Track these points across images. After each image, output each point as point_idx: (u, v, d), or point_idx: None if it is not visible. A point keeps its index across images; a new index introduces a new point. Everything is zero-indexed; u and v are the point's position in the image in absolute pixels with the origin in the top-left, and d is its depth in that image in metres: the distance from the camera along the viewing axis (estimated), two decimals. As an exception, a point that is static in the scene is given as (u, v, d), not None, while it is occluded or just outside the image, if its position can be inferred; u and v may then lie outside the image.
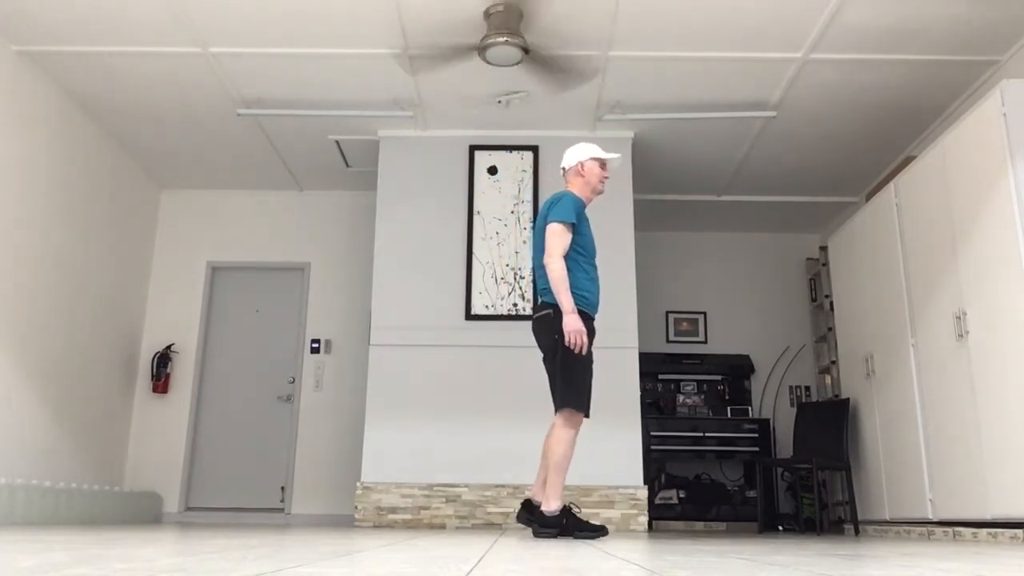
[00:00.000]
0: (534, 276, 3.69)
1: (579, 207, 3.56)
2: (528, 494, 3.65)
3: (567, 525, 3.39)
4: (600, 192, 3.70)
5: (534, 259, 3.66)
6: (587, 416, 3.46)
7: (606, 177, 3.70)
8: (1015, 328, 3.71)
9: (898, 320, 4.84)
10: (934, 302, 4.44)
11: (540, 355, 3.61)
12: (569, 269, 3.47)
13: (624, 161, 5.54)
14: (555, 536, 3.33)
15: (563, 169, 3.74)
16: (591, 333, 3.51)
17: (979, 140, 4.01)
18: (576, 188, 3.66)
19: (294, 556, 1.76)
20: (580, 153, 3.68)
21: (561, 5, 4.22)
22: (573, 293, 3.43)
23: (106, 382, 5.77)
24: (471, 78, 4.91)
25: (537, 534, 3.36)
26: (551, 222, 3.50)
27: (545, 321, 3.51)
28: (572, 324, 3.37)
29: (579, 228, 3.54)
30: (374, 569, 1.42)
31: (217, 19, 4.37)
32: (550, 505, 3.37)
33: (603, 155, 3.69)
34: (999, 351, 3.83)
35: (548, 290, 3.48)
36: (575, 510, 3.48)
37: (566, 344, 3.39)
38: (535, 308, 3.65)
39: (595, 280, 3.60)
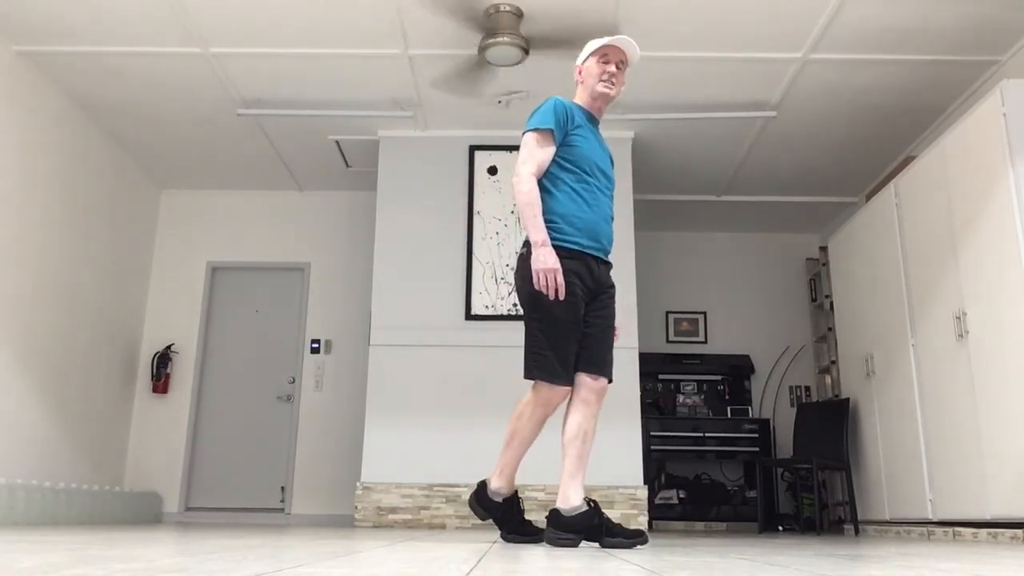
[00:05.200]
0: None
1: (562, 111, 2.84)
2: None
3: (503, 517, 2.87)
4: (605, 93, 2.92)
5: None
6: (565, 384, 2.73)
7: (609, 72, 2.91)
8: (1015, 328, 3.71)
9: (898, 320, 4.84)
10: (934, 302, 4.44)
11: None
12: (546, 190, 2.80)
13: (624, 160, 5.54)
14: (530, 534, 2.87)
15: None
16: (578, 276, 2.73)
17: (979, 140, 4.01)
18: (581, 99, 3.00)
19: (294, 556, 1.76)
20: (580, 57, 3.01)
21: (561, 5, 4.22)
22: (547, 222, 2.75)
23: (106, 382, 5.77)
24: (471, 78, 4.91)
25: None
26: (524, 133, 2.86)
27: (518, 265, 2.84)
28: (541, 261, 2.67)
29: (569, 140, 2.84)
30: (374, 569, 1.43)
31: (217, 19, 4.37)
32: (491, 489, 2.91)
33: (597, 44, 2.94)
34: (999, 351, 3.83)
35: None
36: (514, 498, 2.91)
37: (535, 288, 2.69)
38: None
39: (589, 204, 2.82)
